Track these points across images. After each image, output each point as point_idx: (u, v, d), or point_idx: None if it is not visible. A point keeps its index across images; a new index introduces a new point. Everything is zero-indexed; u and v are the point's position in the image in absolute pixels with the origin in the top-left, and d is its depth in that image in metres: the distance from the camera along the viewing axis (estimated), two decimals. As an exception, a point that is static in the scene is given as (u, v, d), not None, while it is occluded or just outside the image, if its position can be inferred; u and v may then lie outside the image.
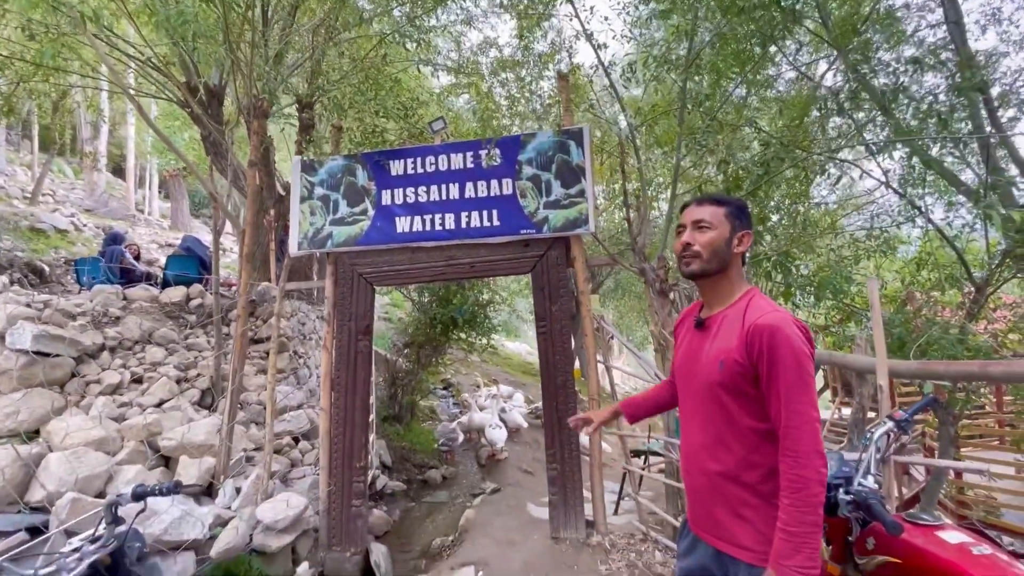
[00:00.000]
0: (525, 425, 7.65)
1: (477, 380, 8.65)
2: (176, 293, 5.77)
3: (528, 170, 3.92)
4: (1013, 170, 4.41)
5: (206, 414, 4.39)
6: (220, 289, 5.08)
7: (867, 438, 2.00)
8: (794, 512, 1.24)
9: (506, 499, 5.30)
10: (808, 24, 4.57)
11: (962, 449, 5.81)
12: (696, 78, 3.93)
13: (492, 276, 4.46)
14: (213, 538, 3.43)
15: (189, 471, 3.68)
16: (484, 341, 7.38)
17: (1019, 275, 4.32)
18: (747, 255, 1.57)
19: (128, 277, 6.37)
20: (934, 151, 4.29)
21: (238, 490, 3.85)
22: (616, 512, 4.79)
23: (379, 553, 4.05)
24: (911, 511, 1.83)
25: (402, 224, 4.05)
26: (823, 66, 5.58)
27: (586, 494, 3.97)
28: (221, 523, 3.54)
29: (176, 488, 1.93)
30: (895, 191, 3.88)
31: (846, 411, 9.76)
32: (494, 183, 3.96)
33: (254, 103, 4.24)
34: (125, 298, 5.41)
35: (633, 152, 3.81)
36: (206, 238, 8.74)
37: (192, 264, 6.62)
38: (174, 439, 3.80)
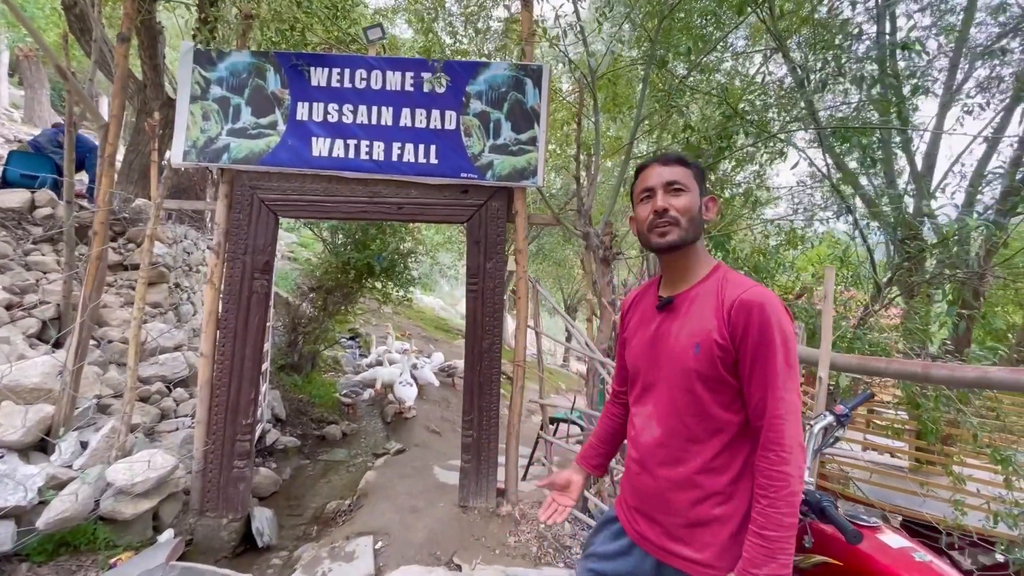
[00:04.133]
0: (436, 383, 7.36)
1: (388, 332, 8.15)
2: (15, 197, 4.61)
3: (476, 105, 3.43)
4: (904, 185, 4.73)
5: (46, 350, 3.55)
6: (76, 200, 4.09)
7: (807, 431, 1.93)
8: (773, 513, 1.10)
9: (411, 460, 5.02)
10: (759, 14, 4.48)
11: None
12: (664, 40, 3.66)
13: (422, 221, 3.98)
14: (46, 503, 2.78)
15: (12, 421, 2.91)
16: (401, 293, 6.88)
17: (912, 280, 4.69)
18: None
19: (-53, 170, 5.00)
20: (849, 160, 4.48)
21: (84, 445, 3.16)
22: (524, 478, 4.70)
23: (262, 519, 3.59)
24: (850, 511, 1.78)
25: (319, 146, 3.41)
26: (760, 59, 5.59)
27: (500, 459, 3.78)
28: (57, 485, 2.87)
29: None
30: (832, 184, 3.95)
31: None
32: (435, 114, 3.42)
33: (132, -38, 3.27)
34: (-63, 195, 4.20)
35: (591, 103, 3.46)
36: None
37: (45, 165, 5.34)
38: (-6, 380, 2.99)
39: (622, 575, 1.35)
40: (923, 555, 1.51)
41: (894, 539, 1.57)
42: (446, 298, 21.29)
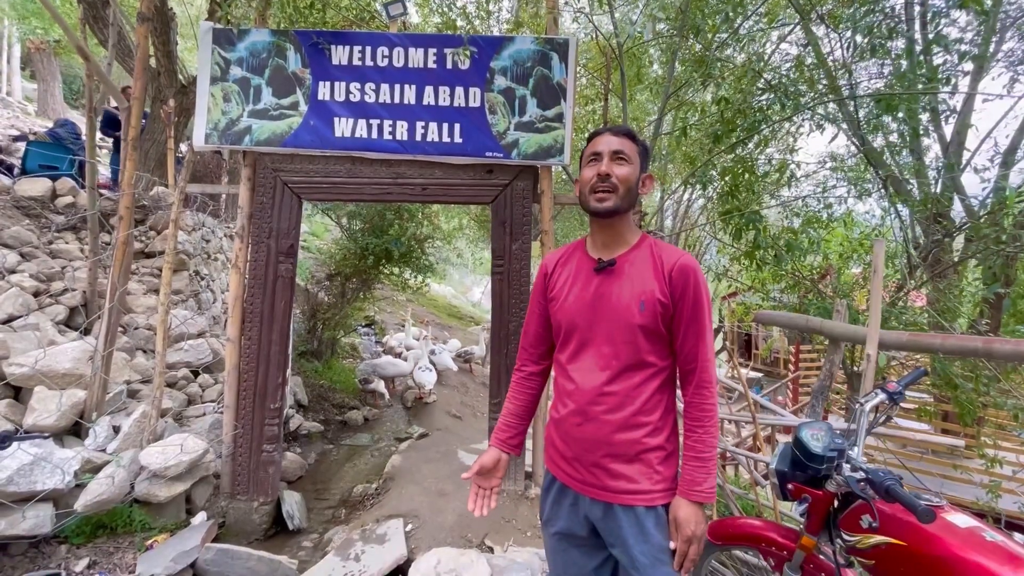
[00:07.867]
0: (455, 368, 7.36)
1: (407, 319, 8.14)
2: (37, 186, 4.62)
3: (501, 81, 3.34)
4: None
5: (75, 336, 3.56)
6: (97, 188, 4.07)
7: (858, 409, 1.85)
8: (708, 439, 1.33)
9: (435, 445, 5.01)
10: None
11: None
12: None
13: (447, 202, 3.92)
14: (82, 486, 2.80)
15: (47, 406, 2.93)
16: (419, 279, 6.84)
17: (945, 259, 4.56)
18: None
19: (-32, 160, 5.03)
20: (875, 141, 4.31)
21: (116, 429, 3.18)
22: (548, 461, 4.68)
23: (292, 502, 3.60)
24: (911, 491, 1.71)
25: (342, 127, 3.35)
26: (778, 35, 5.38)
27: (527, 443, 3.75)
28: (92, 468, 2.89)
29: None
30: (867, 159, 3.81)
31: (741, 370, 10.50)
32: (459, 91, 3.34)
33: (148, -60, 3.20)
34: (-40, 184, 4.22)
35: (618, 74, 3.35)
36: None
37: (63, 154, 5.36)
38: (26, 365, 3.00)
39: (577, 528, 1.45)
40: (993, 534, 1.44)
41: (961, 518, 1.50)
42: (456, 286, 21.28)
